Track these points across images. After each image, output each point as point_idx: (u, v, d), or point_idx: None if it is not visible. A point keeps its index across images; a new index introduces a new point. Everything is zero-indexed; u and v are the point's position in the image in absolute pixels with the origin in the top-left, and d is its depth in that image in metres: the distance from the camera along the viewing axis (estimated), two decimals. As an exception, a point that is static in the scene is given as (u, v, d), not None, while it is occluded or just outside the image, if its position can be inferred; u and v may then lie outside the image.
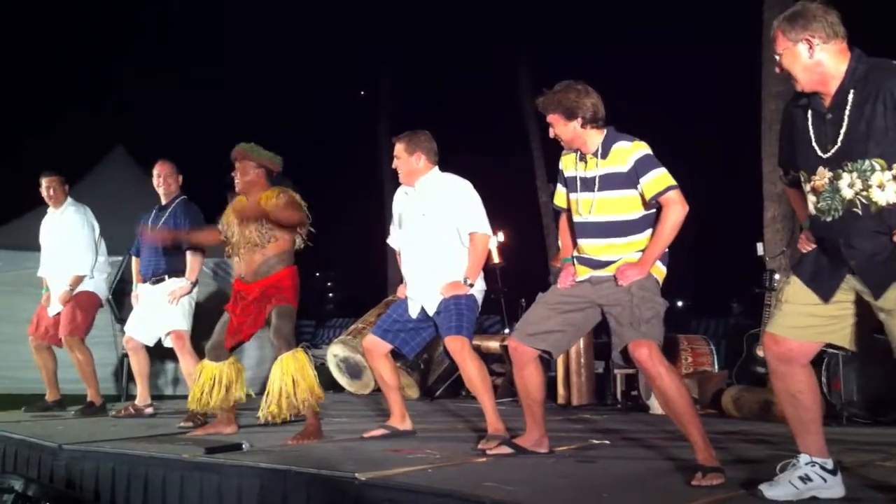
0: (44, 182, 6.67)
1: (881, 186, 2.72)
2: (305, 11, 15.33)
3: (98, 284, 6.71)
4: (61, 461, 4.62)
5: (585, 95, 3.72)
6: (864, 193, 2.74)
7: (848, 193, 2.77)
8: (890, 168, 2.71)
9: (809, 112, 2.87)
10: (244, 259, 4.97)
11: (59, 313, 6.54)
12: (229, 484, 3.80)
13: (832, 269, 2.86)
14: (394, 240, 4.94)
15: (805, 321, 2.91)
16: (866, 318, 2.87)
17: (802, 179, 2.92)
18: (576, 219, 3.80)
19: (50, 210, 6.79)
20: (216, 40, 15.71)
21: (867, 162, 2.72)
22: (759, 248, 7.58)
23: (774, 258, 7.46)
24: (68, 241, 6.61)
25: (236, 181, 5.05)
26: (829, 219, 2.82)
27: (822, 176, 2.82)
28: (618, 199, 3.66)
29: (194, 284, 6.09)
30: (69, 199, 6.76)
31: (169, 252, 6.05)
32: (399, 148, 4.75)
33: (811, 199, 2.89)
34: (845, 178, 2.77)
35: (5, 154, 15.91)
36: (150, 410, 6.35)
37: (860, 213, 2.75)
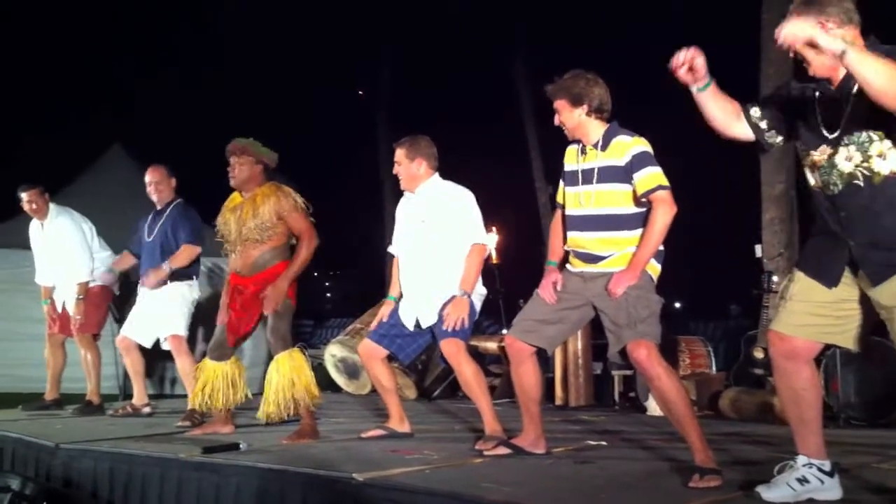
0: (24, 197, 6.65)
1: (882, 156, 2.72)
2: (304, 11, 15.33)
3: (106, 277, 6.74)
4: (59, 460, 4.62)
5: (594, 84, 3.76)
6: (865, 165, 2.74)
7: (846, 167, 2.77)
8: (889, 136, 2.70)
9: (818, 93, 2.87)
10: (241, 254, 4.97)
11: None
12: (227, 484, 3.80)
13: (834, 252, 2.84)
14: (394, 247, 4.91)
15: (810, 320, 2.91)
16: (869, 320, 2.87)
17: (800, 153, 2.93)
18: (574, 212, 3.79)
19: (35, 220, 6.79)
20: (215, 39, 15.70)
21: (864, 134, 2.73)
22: (758, 249, 7.58)
23: (773, 260, 7.47)
24: (65, 250, 6.63)
25: (232, 176, 5.01)
26: (829, 193, 2.82)
27: (823, 152, 2.83)
28: (616, 192, 3.67)
29: (186, 276, 6.08)
30: (53, 207, 6.74)
31: (167, 256, 6.03)
32: (400, 154, 4.74)
33: (809, 175, 2.90)
34: (842, 152, 2.77)
35: (1, 153, 15.88)
36: (147, 410, 6.35)
37: (862, 184, 2.74)
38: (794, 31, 2.61)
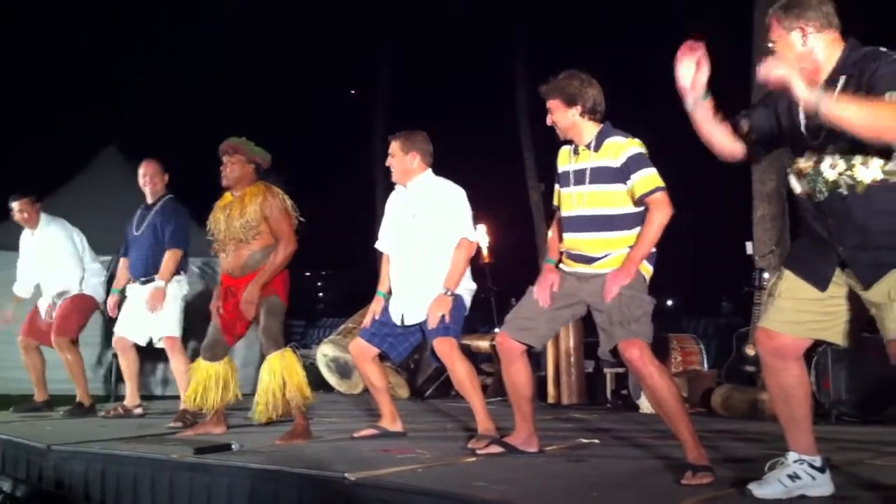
0: (15, 206, 6.61)
1: (865, 164, 2.71)
2: (303, 10, 15.31)
3: (95, 288, 6.72)
4: (50, 462, 4.60)
5: (588, 85, 3.77)
6: (849, 173, 2.73)
7: (830, 175, 2.76)
8: (871, 144, 2.68)
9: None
10: (231, 255, 4.97)
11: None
12: (219, 484, 3.79)
13: (823, 256, 2.84)
14: (381, 243, 4.90)
15: (798, 317, 2.90)
16: (858, 316, 2.87)
17: (786, 160, 2.94)
18: (567, 213, 3.80)
19: (27, 229, 6.76)
20: (214, 38, 15.65)
21: (847, 141, 2.70)
22: (749, 246, 7.60)
23: (764, 257, 7.50)
24: (56, 259, 6.59)
25: (224, 175, 5.02)
26: (816, 200, 2.82)
27: (809, 159, 2.82)
28: (608, 192, 3.67)
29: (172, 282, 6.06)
30: (44, 216, 6.71)
31: (157, 253, 6.03)
32: (395, 146, 4.73)
33: (795, 182, 2.89)
34: (827, 160, 2.77)
35: (-1, 153, 15.83)
36: (139, 411, 6.32)
37: (845, 192, 2.74)
38: (771, 69, 2.62)
